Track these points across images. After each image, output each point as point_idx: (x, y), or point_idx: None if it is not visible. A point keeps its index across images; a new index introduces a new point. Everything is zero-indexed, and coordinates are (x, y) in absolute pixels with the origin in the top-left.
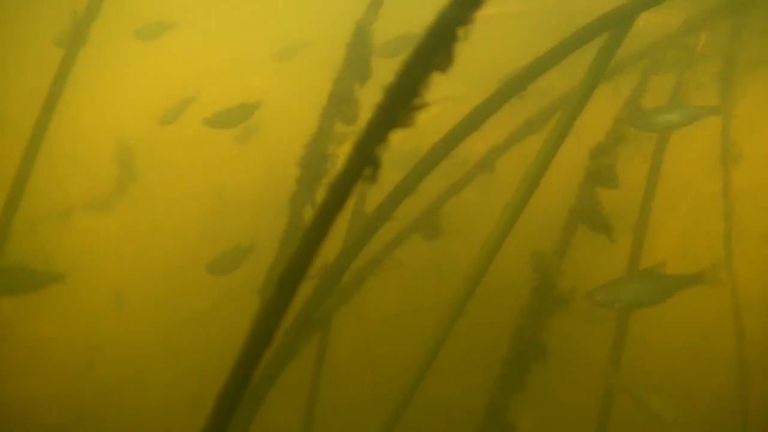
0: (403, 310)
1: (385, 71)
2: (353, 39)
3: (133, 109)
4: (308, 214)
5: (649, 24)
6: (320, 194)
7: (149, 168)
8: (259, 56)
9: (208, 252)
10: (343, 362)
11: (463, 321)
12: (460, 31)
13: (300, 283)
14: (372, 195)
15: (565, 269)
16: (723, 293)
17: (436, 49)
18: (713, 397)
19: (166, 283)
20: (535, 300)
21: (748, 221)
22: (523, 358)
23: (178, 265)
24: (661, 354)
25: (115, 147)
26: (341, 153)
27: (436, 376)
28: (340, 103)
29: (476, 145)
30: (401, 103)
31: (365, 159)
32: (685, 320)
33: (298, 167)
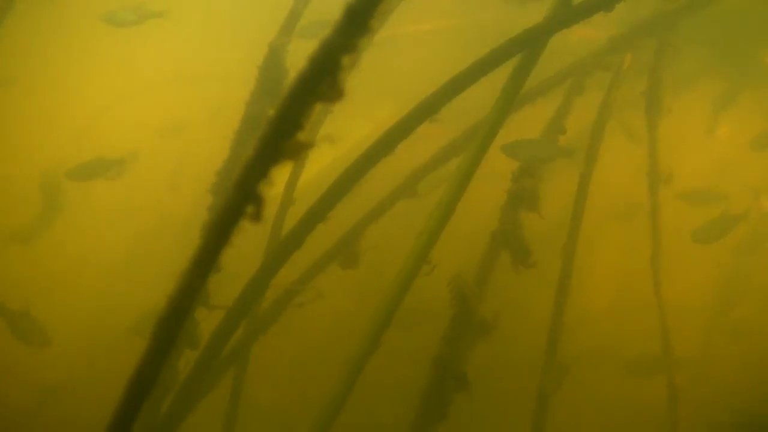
0: (321, 341)
1: None
2: (265, 62)
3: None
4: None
5: (582, 39)
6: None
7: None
8: (172, 82)
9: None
10: (261, 396)
11: (381, 352)
12: (346, 60)
13: (180, 326)
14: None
15: (490, 295)
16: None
17: (319, 79)
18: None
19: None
20: (455, 327)
21: (676, 244)
22: (444, 389)
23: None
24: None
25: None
26: None
27: (354, 408)
28: (252, 127)
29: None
30: (284, 135)
31: (247, 196)
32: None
33: (210, 195)
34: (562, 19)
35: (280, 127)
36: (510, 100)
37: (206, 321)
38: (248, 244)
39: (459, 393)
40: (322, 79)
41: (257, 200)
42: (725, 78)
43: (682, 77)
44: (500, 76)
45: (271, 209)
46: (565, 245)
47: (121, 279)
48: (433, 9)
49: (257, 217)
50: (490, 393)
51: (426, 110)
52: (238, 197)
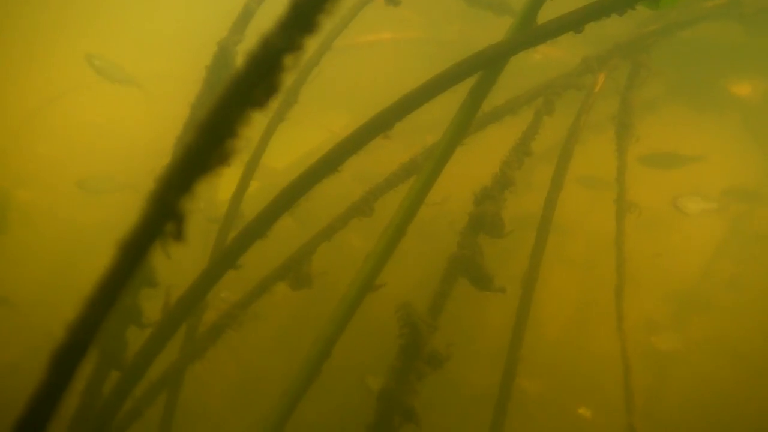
0: (259, 367)
1: None
2: (214, 61)
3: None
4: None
5: (545, 58)
6: None
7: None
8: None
9: None
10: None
11: (325, 383)
12: (288, 60)
13: (81, 359)
14: None
15: (444, 325)
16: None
17: (258, 82)
18: None
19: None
20: (403, 360)
21: (641, 271)
22: (390, 424)
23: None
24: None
25: None
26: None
27: None
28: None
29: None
30: (213, 144)
31: (166, 212)
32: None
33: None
34: (525, 39)
35: (210, 135)
36: (468, 119)
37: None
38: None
39: (406, 427)
40: (261, 82)
41: (178, 217)
42: (689, 104)
43: (647, 101)
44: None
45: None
46: (526, 273)
47: None
48: (396, 19)
49: (178, 236)
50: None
51: (381, 125)
52: (156, 214)
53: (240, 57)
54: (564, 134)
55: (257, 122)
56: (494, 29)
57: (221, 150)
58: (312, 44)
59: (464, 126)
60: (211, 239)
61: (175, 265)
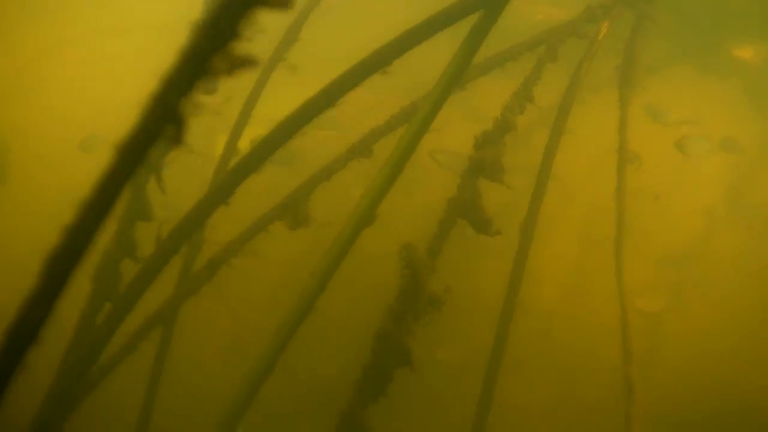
0: (257, 304)
1: None
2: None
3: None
4: None
5: (548, 18)
6: None
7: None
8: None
9: None
10: (188, 357)
11: (323, 320)
12: None
13: (73, 267)
14: None
15: (443, 268)
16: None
17: None
18: (597, 415)
19: None
20: (402, 300)
21: (640, 226)
22: (386, 365)
23: None
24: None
25: None
26: None
27: (289, 378)
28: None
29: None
30: (215, 44)
31: (167, 114)
32: (569, 334)
33: None
34: None
35: (211, 32)
36: (466, 61)
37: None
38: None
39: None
40: None
41: (178, 120)
42: (692, 65)
43: (652, 61)
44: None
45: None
46: (524, 220)
47: None
48: None
49: (177, 140)
50: (434, 372)
51: (377, 62)
52: (156, 115)
53: None
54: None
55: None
56: None
57: (223, 51)
58: None
59: (462, 67)
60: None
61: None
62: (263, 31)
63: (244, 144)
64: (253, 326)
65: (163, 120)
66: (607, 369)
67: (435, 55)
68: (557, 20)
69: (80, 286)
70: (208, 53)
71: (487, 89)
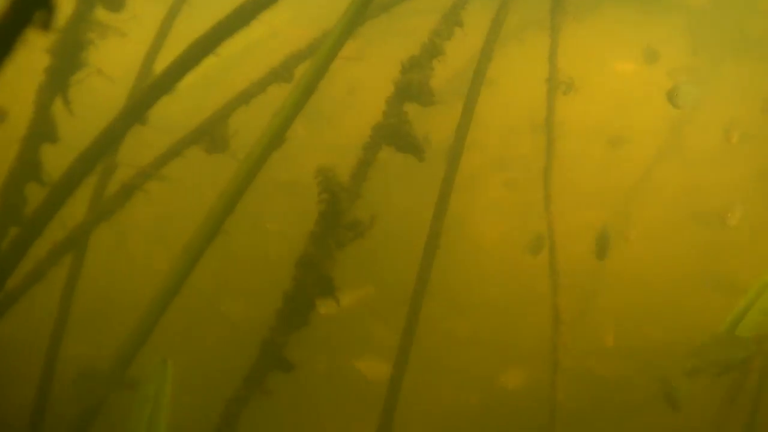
0: (169, 228)
1: None
2: None
3: None
4: None
5: None
6: None
7: None
8: None
9: None
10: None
11: (247, 247)
12: None
13: None
14: None
15: (370, 196)
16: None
17: None
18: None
19: None
20: (322, 226)
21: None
22: (307, 292)
23: None
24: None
25: None
26: None
27: (205, 307)
28: None
29: None
30: None
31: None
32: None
33: None
34: None
35: None
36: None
37: None
38: None
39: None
40: None
41: (48, 5)
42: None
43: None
44: None
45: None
46: (451, 146)
47: None
48: None
49: (46, 25)
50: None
51: None
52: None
53: None
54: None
55: None
56: None
57: None
58: None
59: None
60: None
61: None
62: None
63: (160, 66)
64: (167, 252)
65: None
66: (536, 300)
67: None
68: None
69: None
70: None
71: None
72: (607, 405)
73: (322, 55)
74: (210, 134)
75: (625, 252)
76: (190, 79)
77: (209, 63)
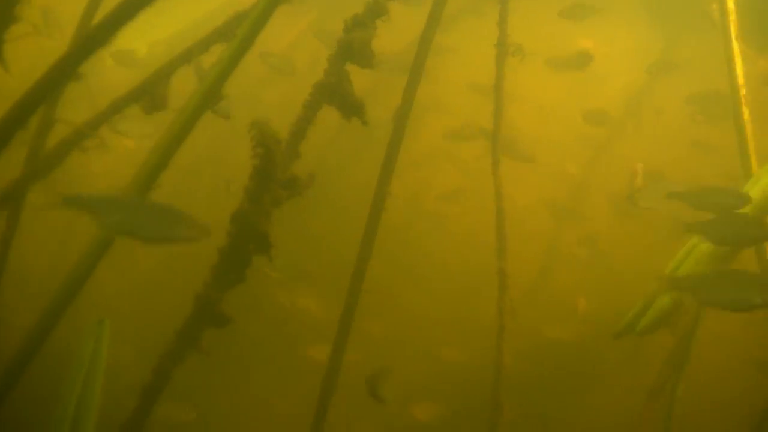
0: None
1: None
2: None
3: None
4: None
5: None
6: None
7: None
8: None
9: None
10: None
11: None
12: None
13: None
14: None
15: (314, 153)
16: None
17: None
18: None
19: None
20: (257, 181)
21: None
22: (243, 248)
23: None
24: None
25: None
26: None
27: (145, 257)
28: None
29: None
30: None
31: None
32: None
33: None
34: None
35: None
36: None
37: None
38: None
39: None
40: None
41: None
42: None
43: None
44: None
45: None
46: (399, 107)
47: None
48: None
49: None
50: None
51: None
52: None
53: None
54: None
55: None
56: None
57: None
58: None
59: None
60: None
61: None
62: None
63: None
64: None
65: None
66: (482, 263)
67: None
68: None
69: None
70: None
71: None
72: (562, 368)
73: (255, 14)
74: (150, 93)
75: (584, 222)
76: (158, 48)
77: (173, 30)
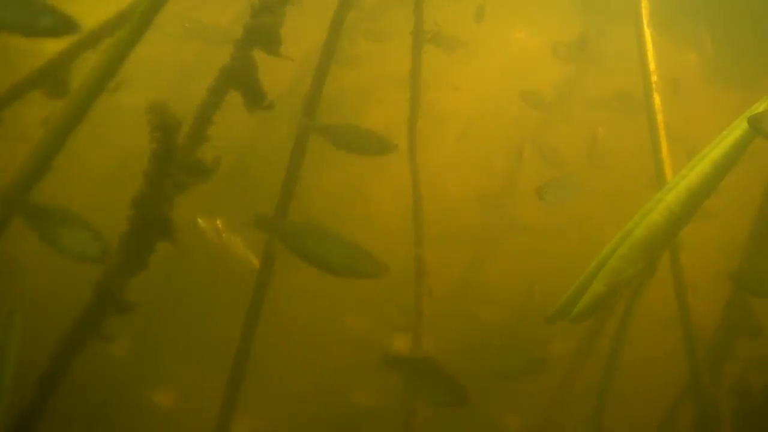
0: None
1: None
2: None
3: None
4: None
5: None
6: None
7: None
8: None
9: None
10: None
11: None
12: None
13: None
14: None
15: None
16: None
17: None
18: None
19: None
20: (156, 165)
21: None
22: (145, 236)
23: None
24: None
25: None
26: None
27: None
28: None
29: None
30: None
31: None
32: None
33: None
34: None
35: None
36: None
37: None
38: None
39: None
40: None
41: None
42: None
43: None
44: None
45: None
46: (308, 92)
47: None
48: None
49: None
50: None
51: None
52: None
53: None
54: None
55: None
56: None
57: None
58: None
59: None
60: None
61: None
62: None
63: None
64: None
65: None
66: (401, 248)
67: None
68: None
69: None
70: None
71: None
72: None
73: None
74: (53, 77)
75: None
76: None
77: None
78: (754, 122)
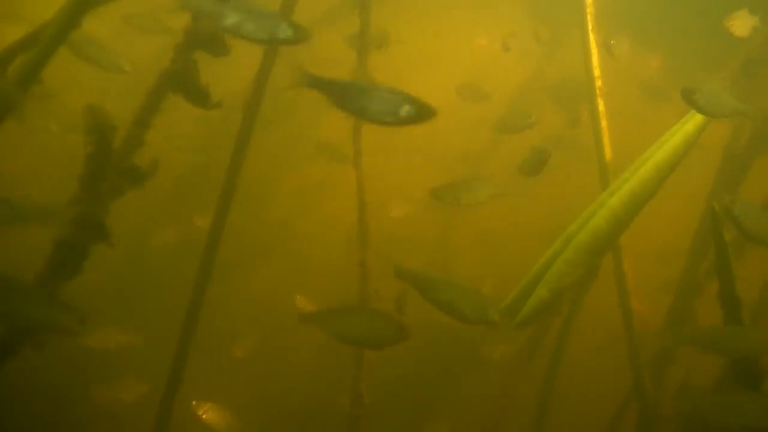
0: None
1: None
2: None
3: None
4: None
5: None
6: None
7: None
8: None
9: None
10: None
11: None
12: None
13: None
14: None
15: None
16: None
17: None
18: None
19: None
20: (91, 169)
21: None
22: (81, 239)
23: None
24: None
25: None
26: None
27: None
28: None
29: None
30: None
31: None
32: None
33: None
34: None
35: None
36: None
37: None
38: None
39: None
40: None
41: None
42: None
43: None
44: None
45: None
46: (247, 99)
47: None
48: None
49: None
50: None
51: None
52: None
53: None
54: None
55: None
56: None
57: None
58: None
59: None
60: None
61: None
62: None
63: None
64: None
65: None
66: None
67: None
68: None
69: None
70: None
71: None
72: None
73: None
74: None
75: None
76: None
77: None
78: (688, 94)
